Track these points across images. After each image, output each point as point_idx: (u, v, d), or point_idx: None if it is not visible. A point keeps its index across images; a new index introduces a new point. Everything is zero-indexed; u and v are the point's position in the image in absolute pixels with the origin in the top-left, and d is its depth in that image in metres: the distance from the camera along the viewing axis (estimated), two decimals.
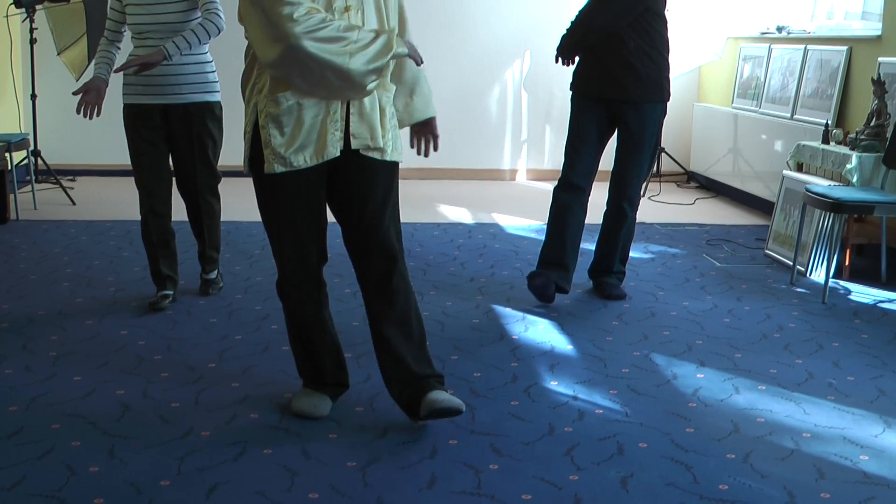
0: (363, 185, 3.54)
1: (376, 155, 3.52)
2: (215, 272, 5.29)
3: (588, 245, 5.68)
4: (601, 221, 5.46)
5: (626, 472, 3.32)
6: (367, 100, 3.45)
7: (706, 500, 3.12)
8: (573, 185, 5.25)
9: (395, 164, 3.61)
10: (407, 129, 3.79)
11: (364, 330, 4.68)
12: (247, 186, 9.02)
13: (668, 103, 5.35)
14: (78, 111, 4.64)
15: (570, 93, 5.36)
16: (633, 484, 3.23)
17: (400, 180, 3.68)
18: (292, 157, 3.41)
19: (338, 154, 3.44)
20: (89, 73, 7.91)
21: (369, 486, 3.18)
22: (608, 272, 5.46)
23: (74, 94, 4.68)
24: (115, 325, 4.78)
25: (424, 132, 3.81)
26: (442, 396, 3.52)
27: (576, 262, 5.30)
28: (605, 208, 5.41)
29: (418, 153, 3.81)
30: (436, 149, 3.84)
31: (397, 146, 3.60)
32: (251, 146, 3.51)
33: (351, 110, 3.44)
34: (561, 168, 5.35)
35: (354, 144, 3.46)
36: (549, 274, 5.18)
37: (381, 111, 3.53)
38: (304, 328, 3.71)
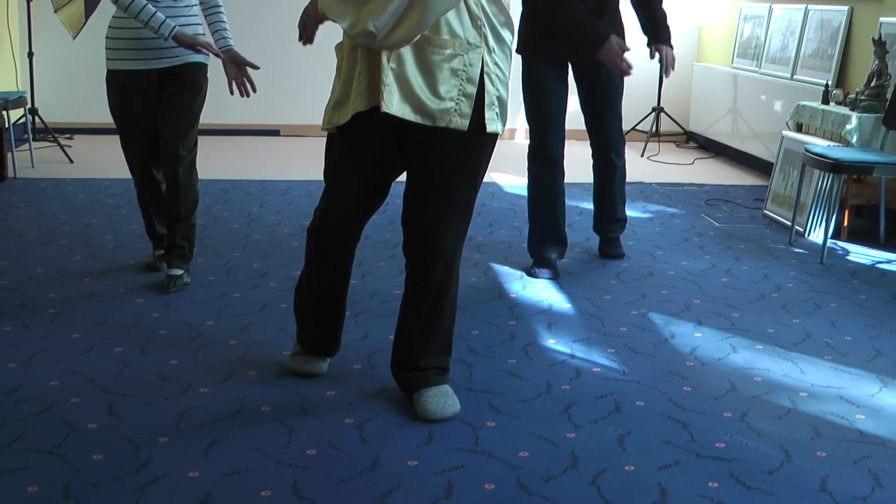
0: (416, 155, 3.29)
1: (427, 121, 3.18)
2: (183, 270, 4.73)
3: (573, 202, 5.67)
4: (593, 179, 5.39)
5: (623, 430, 3.33)
6: (407, 53, 3.11)
7: (703, 458, 3.14)
8: (553, 159, 5.02)
9: (460, 135, 3.22)
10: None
11: (362, 289, 4.69)
12: (244, 144, 9.01)
13: None
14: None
15: (520, 55, 4.98)
16: (630, 442, 3.24)
17: None
18: (331, 114, 3.29)
19: (362, 109, 3.18)
20: (86, 31, 7.93)
21: (367, 442, 3.19)
22: (615, 220, 5.40)
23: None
24: (113, 282, 4.78)
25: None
26: (434, 407, 3.35)
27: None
28: (592, 164, 5.34)
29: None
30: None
31: (463, 110, 3.19)
32: None
33: (390, 64, 3.12)
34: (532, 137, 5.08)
35: (384, 105, 3.14)
36: (552, 259, 5.08)
37: (427, 66, 3.15)
38: (321, 284, 3.53)
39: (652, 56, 5.20)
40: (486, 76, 3.23)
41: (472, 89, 3.20)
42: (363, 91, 3.19)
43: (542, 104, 4.99)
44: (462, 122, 3.19)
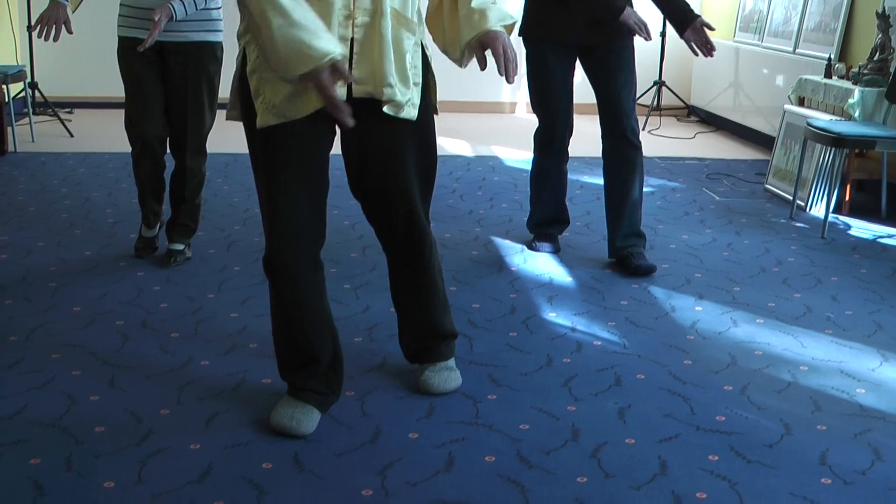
0: (377, 144, 3.03)
1: (389, 109, 2.93)
2: (184, 245, 4.75)
3: (574, 176, 5.64)
4: (605, 180, 4.85)
5: (623, 403, 3.33)
6: (378, 40, 2.86)
7: (703, 431, 3.14)
8: (559, 150, 4.88)
9: (413, 124, 3.03)
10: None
11: (362, 261, 4.70)
12: None
13: (670, 37, 5.09)
14: (39, 35, 4.28)
15: (523, 39, 4.77)
16: (630, 415, 3.25)
17: None
18: (285, 107, 2.85)
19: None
20: (85, 5, 7.88)
21: (368, 415, 3.20)
22: (635, 236, 4.81)
23: (31, 28, 4.40)
24: (113, 256, 4.78)
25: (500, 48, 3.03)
26: (437, 381, 3.33)
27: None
28: (604, 160, 4.81)
29: (501, 73, 3.00)
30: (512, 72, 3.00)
31: (415, 100, 3.00)
32: (240, 95, 2.97)
33: (355, 49, 2.86)
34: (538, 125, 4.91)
35: (356, 92, 2.89)
36: (553, 233, 5.06)
37: (399, 55, 2.91)
38: (295, 316, 3.07)
39: (693, 48, 4.71)
40: (428, 59, 3.08)
41: (420, 77, 3.03)
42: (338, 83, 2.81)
43: (548, 95, 4.81)
44: (414, 113, 3.01)
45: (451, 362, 3.43)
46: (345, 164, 3.13)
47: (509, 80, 2.96)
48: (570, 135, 4.91)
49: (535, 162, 5.02)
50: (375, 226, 3.23)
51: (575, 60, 4.80)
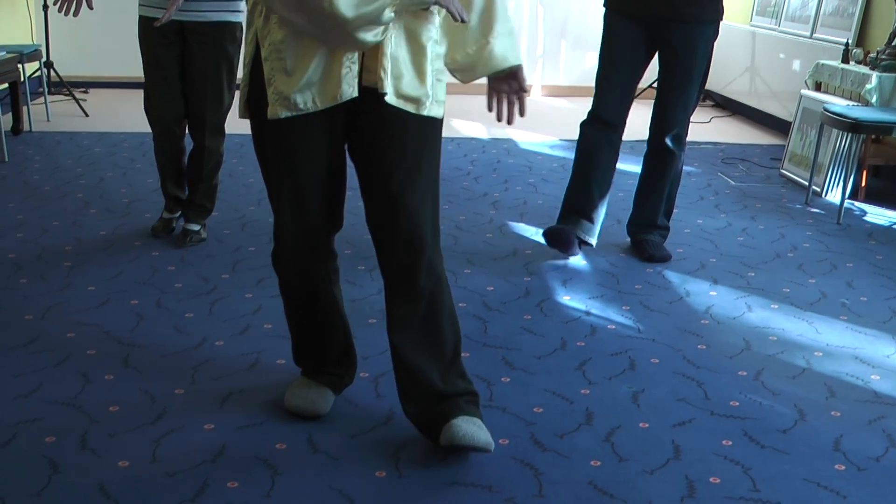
0: (388, 144, 2.70)
1: (409, 106, 2.67)
2: (199, 226, 4.76)
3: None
4: (641, 164, 4.76)
5: (637, 387, 3.33)
6: (400, 31, 2.64)
7: (717, 416, 3.14)
8: (603, 121, 4.56)
9: (434, 121, 2.74)
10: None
11: None
12: None
13: None
14: (59, 9, 4.05)
15: (604, 9, 4.59)
16: (644, 399, 3.25)
17: None
18: (297, 97, 2.63)
19: (355, 94, 2.63)
20: None
21: (382, 396, 3.20)
22: (651, 226, 4.72)
23: (54, 2, 4.35)
24: (128, 235, 4.79)
25: (506, 88, 2.91)
26: (467, 430, 2.76)
27: (603, 213, 4.69)
28: (645, 150, 4.70)
29: (498, 119, 2.88)
30: (521, 112, 2.90)
31: (439, 97, 2.73)
32: (250, 84, 2.75)
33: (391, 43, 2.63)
34: (593, 95, 4.64)
35: (367, 81, 2.64)
36: (567, 228, 4.58)
37: (418, 47, 2.67)
38: (305, 309, 3.01)
39: None
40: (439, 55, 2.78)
41: (445, 75, 2.79)
42: (355, 73, 2.63)
43: (606, 60, 4.57)
44: (440, 111, 2.76)
45: (479, 421, 2.85)
46: (355, 163, 2.85)
47: (508, 121, 2.95)
48: (621, 123, 4.60)
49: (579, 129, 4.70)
50: (373, 236, 2.86)
51: (648, 42, 4.53)
